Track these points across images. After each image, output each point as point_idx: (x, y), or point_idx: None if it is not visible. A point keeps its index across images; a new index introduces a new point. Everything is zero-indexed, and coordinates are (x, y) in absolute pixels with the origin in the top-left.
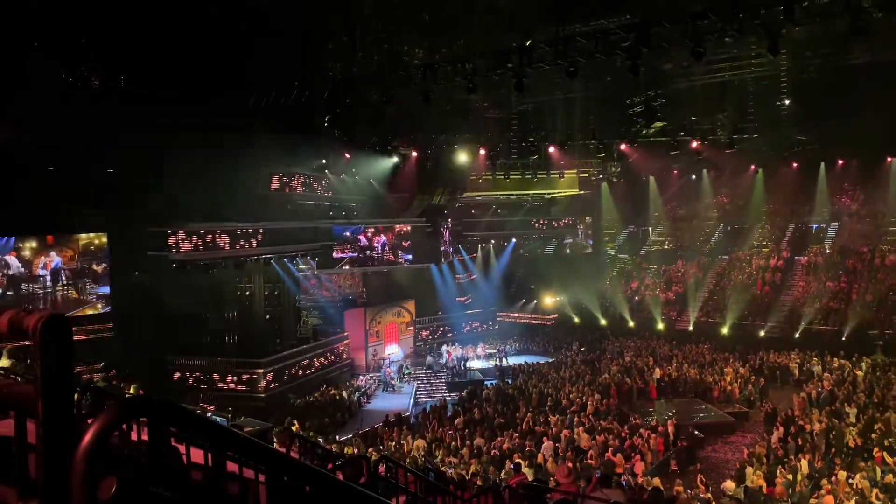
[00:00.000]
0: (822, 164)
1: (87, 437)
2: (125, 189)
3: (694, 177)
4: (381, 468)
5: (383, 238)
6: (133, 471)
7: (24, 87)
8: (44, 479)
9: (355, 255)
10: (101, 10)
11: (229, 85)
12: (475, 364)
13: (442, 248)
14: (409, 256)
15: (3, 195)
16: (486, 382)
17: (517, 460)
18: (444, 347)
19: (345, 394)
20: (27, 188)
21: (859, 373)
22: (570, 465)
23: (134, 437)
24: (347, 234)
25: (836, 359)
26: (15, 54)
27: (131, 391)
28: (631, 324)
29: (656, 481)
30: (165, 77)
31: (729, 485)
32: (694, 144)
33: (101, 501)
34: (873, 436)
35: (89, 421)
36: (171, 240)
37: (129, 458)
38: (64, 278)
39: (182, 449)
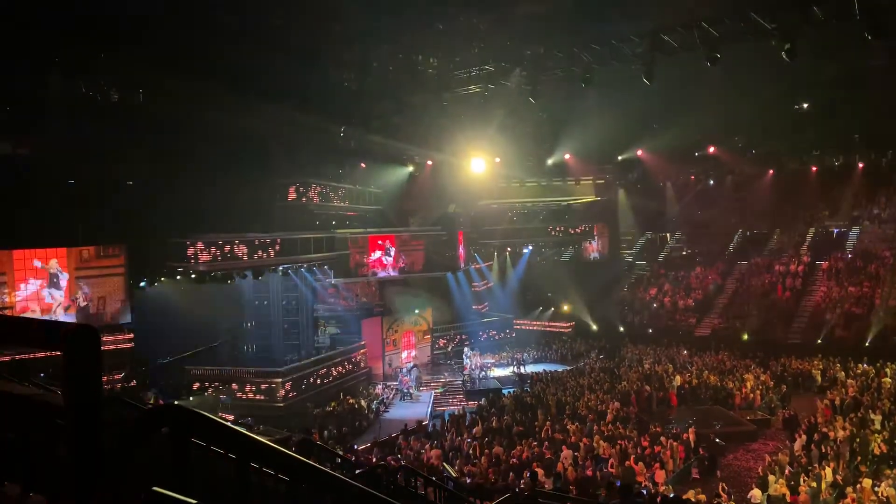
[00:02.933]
0: (843, 168)
1: (114, 446)
2: (144, 201)
3: (712, 182)
4: (401, 477)
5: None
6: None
7: (43, 100)
8: (73, 487)
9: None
10: (118, 25)
11: (245, 97)
12: (491, 373)
13: (458, 257)
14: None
15: (23, 207)
16: (503, 391)
17: (536, 469)
18: (466, 350)
19: (363, 402)
20: (46, 201)
21: (885, 379)
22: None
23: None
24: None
25: (860, 365)
26: (34, 69)
27: (151, 401)
28: (649, 331)
29: (690, 494)
30: (182, 90)
31: (756, 493)
32: (711, 150)
33: None
34: None
35: (114, 431)
36: (190, 251)
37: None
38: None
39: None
